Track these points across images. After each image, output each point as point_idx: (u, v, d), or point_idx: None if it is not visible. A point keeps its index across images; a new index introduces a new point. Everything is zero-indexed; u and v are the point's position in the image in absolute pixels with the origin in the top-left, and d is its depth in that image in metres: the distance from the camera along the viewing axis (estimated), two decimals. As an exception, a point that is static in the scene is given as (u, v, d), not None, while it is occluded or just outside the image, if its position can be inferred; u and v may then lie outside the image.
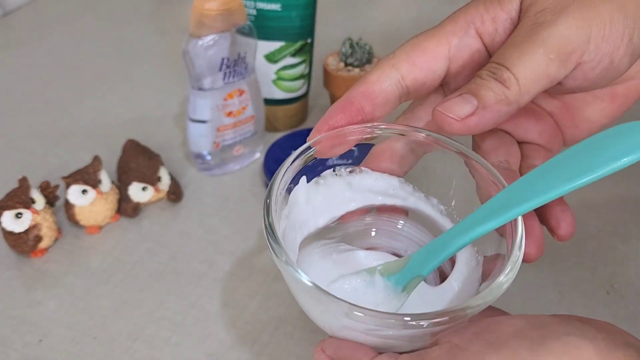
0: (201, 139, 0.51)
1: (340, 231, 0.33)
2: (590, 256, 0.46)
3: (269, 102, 0.57)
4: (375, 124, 0.30)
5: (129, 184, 0.48)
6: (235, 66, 0.49)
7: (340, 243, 0.33)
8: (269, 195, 0.28)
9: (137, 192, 0.48)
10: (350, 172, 0.32)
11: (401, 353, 0.26)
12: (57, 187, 0.47)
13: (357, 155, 0.32)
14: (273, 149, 0.54)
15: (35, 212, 0.44)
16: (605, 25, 0.26)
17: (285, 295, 0.42)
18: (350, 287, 0.29)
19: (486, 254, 0.30)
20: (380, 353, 0.26)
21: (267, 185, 0.52)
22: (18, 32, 0.77)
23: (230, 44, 0.48)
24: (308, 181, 0.31)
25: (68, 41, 0.75)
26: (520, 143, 0.33)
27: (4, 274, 0.44)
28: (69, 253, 0.46)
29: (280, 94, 0.57)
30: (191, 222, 0.49)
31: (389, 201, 0.32)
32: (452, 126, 0.27)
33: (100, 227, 0.48)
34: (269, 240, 0.26)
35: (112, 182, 0.48)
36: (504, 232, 0.27)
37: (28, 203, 0.44)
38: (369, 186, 0.32)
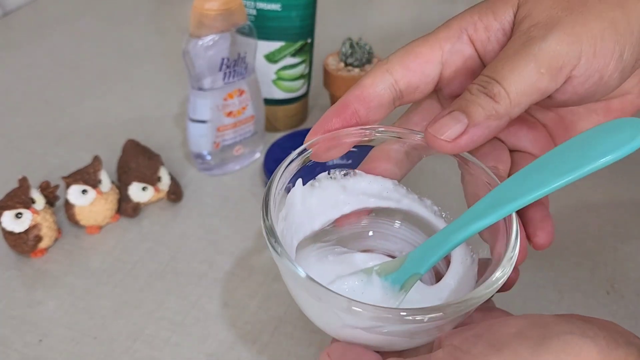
0: (201, 139, 0.51)
1: (336, 234, 0.34)
2: (590, 256, 0.46)
3: (269, 102, 0.57)
4: (371, 126, 0.30)
5: (129, 184, 0.48)
6: (235, 66, 0.49)
7: (336, 246, 0.33)
8: (267, 196, 0.28)
9: (137, 192, 0.48)
10: (344, 175, 0.32)
11: (405, 358, 0.26)
12: (57, 187, 0.47)
13: (354, 158, 0.32)
14: (273, 149, 0.54)
15: (35, 212, 0.44)
16: (597, 42, 0.26)
17: (285, 296, 0.42)
18: (348, 288, 0.29)
19: (481, 254, 0.30)
20: (385, 358, 0.26)
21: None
22: (18, 32, 0.77)
23: (230, 44, 0.48)
24: (304, 184, 0.31)
25: (68, 41, 0.75)
26: (512, 151, 0.33)
27: (4, 274, 0.44)
28: (69, 253, 0.46)
29: (280, 94, 0.57)
30: (191, 222, 0.49)
31: (383, 204, 0.33)
32: (443, 148, 0.27)
33: (100, 227, 0.48)
34: (269, 241, 0.26)
35: (112, 182, 0.48)
36: (498, 230, 0.28)
37: (28, 203, 0.44)
38: (362, 189, 0.32)
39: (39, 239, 0.44)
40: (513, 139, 0.33)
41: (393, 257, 0.33)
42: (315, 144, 0.30)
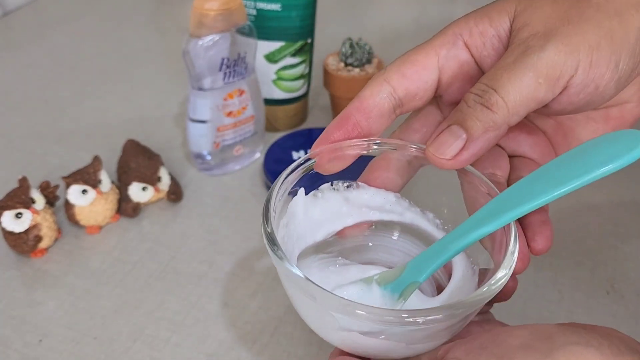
0: (201, 139, 0.51)
1: (337, 246, 0.34)
2: (590, 256, 0.46)
3: (269, 102, 0.57)
4: (372, 139, 0.31)
5: (129, 184, 0.48)
6: (235, 66, 0.49)
7: (338, 257, 0.33)
8: (267, 203, 0.28)
9: (137, 192, 0.48)
10: (347, 186, 0.33)
11: None
12: (57, 187, 0.47)
13: (356, 169, 0.32)
14: (273, 149, 0.54)
15: (35, 212, 0.44)
16: (593, 52, 0.26)
17: (285, 296, 0.42)
18: (347, 296, 0.29)
19: (482, 266, 0.30)
20: None
21: (267, 186, 0.52)
22: (18, 32, 0.77)
23: (230, 44, 0.48)
24: (306, 193, 0.31)
25: (68, 41, 0.75)
26: (511, 156, 0.34)
27: (4, 274, 0.44)
28: (69, 253, 0.46)
29: (280, 94, 0.57)
30: (191, 222, 0.49)
31: (386, 217, 0.33)
32: (444, 165, 0.28)
33: (100, 227, 0.48)
34: (270, 246, 0.26)
35: (112, 182, 0.48)
36: (497, 236, 0.28)
37: (28, 203, 0.44)
38: (365, 201, 0.33)
39: (39, 239, 0.44)
40: (512, 144, 0.33)
41: None
42: (317, 154, 0.30)
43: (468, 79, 0.30)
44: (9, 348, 0.39)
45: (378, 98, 0.30)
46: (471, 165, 0.30)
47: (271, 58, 0.55)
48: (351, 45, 0.57)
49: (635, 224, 0.48)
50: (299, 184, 0.31)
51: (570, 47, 0.26)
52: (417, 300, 0.30)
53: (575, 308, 0.42)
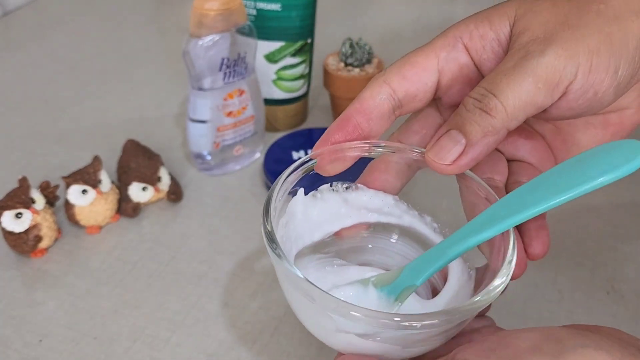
0: (201, 139, 0.51)
1: (335, 246, 0.34)
2: (590, 257, 0.46)
3: (269, 102, 0.57)
4: (373, 141, 0.31)
5: (129, 184, 0.48)
6: (235, 66, 0.49)
7: (335, 258, 0.33)
8: (268, 202, 0.28)
9: (137, 192, 0.48)
10: (346, 188, 0.33)
11: None
12: (57, 187, 0.47)
13: (355, 170, 0.32)
14: (273, 149, 0.54)
15: (35, 212, 0.44)
16: (592, 57, 0.26)
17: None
18: (343, 297, 0.29)
19: (478, 267, 0.30)
20: None
21: (267, 186, 0.52)
22: (18, 32, 0.77)
23: (230, 44, 0.48)
24: (306, 193, 0.31)
25: (68, 41, 0.75)
26: (510, 160, 0.34)
27: (4, 274, 0.44)
28: (69, 253, 0.46)
29: (280, 94, 0.57)
30: (191, 222, 0.49)
31: (384, 219, 0.33)
32: (444, 171, 0.28)
33: (100, 227, 0.48)
34: (269, 245, 0.26)
35: (112, 182, 0.48)
36: (495, 242, 0.28)
37: (28, 203, 0.44)
38: (364, 203, 0.33)
39: (39, 239, 0.44)
40: (511, 148, 0.33)
41: None
42: (318, 155, 0.30)
43: (468, 81, 0.30)
44: (9, 348, 0.39)
45: (378, 99, 0.30)
46: (470, 169, 0.30)
47: (271, 58, 0.55)
48: (351, 45, 0.57)
49: (635, 225, 0.48)
50: (299, 184, 0.31)
51: (569, 52, 0.26)
52: (412, 303, 0.30)
53: (575, 308, 0.42)
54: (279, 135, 0.57)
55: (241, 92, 0.51)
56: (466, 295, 0.30)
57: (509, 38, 0.29)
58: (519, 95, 0.26)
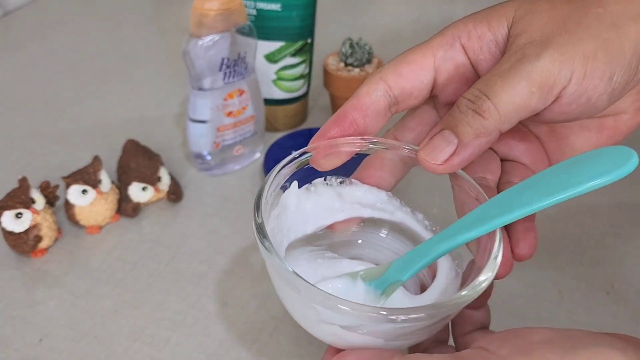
0: (201, 139, 0.51)
1: (327, 239, 0.34)
2: (590, 256, 0.46)
3: (269, 102, 0.57)
4: (369, 137, 0.31)
5: (129, 184, 0.48)
6: (235, 66, 0.49)
7: (327, 251, 0.34)
8: (259, 194, 0.28)
9: (137, 192, 0.48)
10: (340, 182, 0.33)
11: (432, 354, 0.26)
12: (57, 187, 0.47)
13: (350, 165, 0.32)
14: (273, 149, 0.54)
15: (35, 212, 0.44)
16: (588, 63, 0.26)
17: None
18: (332, 289, 0.29)
19: (464, 264, 0.30)
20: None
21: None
22: (18, 32, 0.77)
23: (230, 44, 0.48)
24: (300, 187, 0.32)
25: (68, 41, 0.75)
26: (503, 160, 0.34)
27: (4, 274, 0.44)
28: (69, 253, 0.46)
29: (280, 94, 0.57)
30: (191, 222, 0.49)
31: (377, 214, 0.33)
32: (436, 170, 0.28)
33: (100, 227, 0.48)
34: (258, 237, 0.27)
35: (112, 182, 0.48)
36: (481, 240, 0.28)
37: (28, 203, 0.44)
38: (358, 198, 0.33)
39: (39, 239, 0.44)
40: (505, 148, 0.33)
41: None
42: (313, 149, 0.31)
43: (464, 80, 0.30)
44: (9, 348, 0.39)
45: (374, 96, 0.30)
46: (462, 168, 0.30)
47: (271, 58, 0.55)
48: (351, 45, 0.57)
49: (635, 224, 0.48)
50: (293, 177, 0.31)
51: (565, 56, 0.26)
52: (400, 298, 0.30)
53: (575, 308, 0.42)
54: (279, 135, 0.57)
55: (241, 92, 0.51)
56: (453, 291, 0.30)
57: (507, 39, 0.29)
58: (512, 98, 0.26)
